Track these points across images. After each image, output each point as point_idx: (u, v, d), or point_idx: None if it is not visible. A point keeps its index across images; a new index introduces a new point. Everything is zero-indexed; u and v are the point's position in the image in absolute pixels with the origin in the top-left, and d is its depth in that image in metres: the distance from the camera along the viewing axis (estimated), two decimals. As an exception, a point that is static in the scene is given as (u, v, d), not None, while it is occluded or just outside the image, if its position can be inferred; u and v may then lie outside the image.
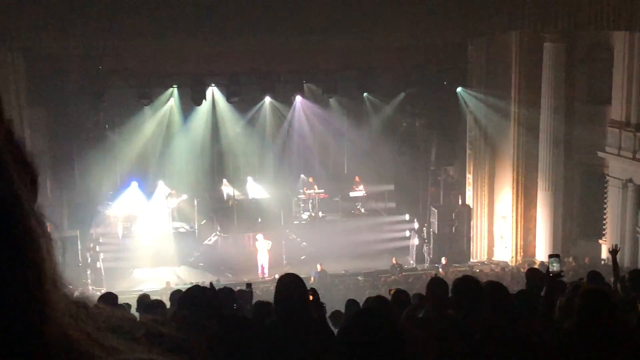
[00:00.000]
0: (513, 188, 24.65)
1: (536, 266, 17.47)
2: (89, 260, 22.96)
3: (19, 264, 0.65)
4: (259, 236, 23.66)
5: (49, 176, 23.33)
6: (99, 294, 20.44)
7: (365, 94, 26.29)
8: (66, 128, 23.31)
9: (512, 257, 24.67)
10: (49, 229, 0.73)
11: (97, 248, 23.56)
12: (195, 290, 5.16)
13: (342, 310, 9.70)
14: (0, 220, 0.65)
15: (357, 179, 26.91)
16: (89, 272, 22.57)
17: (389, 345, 3.50)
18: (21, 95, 21.47)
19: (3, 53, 20.16)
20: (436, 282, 7.27)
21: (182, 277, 22.91)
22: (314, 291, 6.02)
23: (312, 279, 21.40)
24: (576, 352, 4.82)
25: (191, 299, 5.01)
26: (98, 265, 22.99)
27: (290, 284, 5.17)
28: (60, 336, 0.66)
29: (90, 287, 22.07)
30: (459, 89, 25.29)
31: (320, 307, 6.13)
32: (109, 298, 7.92)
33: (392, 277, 22.54)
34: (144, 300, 8.44)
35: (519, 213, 24.66)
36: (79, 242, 22.46)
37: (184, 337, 0.77)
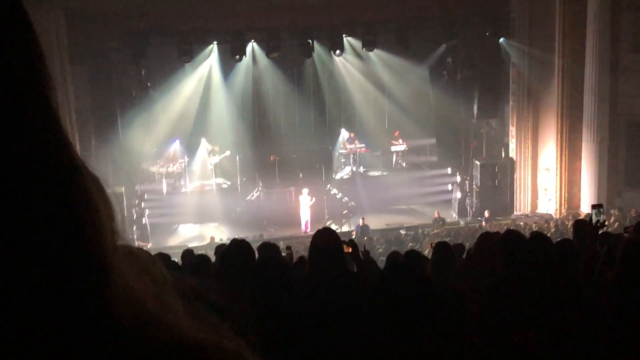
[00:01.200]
0: (557, 140, 24.28)
1: (581, 217, 17.30)
2: (135, 217, 23.30)
3: (74, 213, 0.64)
4: (304, 191, 23.69)
5: (93, 133, 23.66)
6: (145, 249, 20.81)
7: (405, 46, 25.99)
8: (108, 85, 23.53)
9: (557, 210, 24.42)
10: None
11: (142, 204, 23.87)
12: (237, 244, 5.21)
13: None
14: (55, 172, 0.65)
15: (396, 133, 26.77)
16: (134, 228, 22.93)
17: (418, 302, 3.52)
18: (64, 54, 21.65)
19: (45, 12, 20.28)
20: (484, 237, 7.29)
21: (225, 232, 23.15)
22: (352, 243, 6.02)
23: (354, 233, 21.50)
24: (617, 303, 4.79)
25: (233, 253, 5.07)
26: (143, 222, 23.32)
27: (324, 239, 5.18)
28: (125, 290, 0.66)
29: (136, 243, 22.44)
30: (501, 40, 24.87)
31: (359, 261, 6.13)
32: (161, 259, 8.01)
33: (435, 230, 22.51)
34: (189, 256, 8.56)
35: (563, 165, 24.32)
36: (124, 199, 22.78)
37: (231, 305, 0.77)
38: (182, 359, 0.63)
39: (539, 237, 5.89)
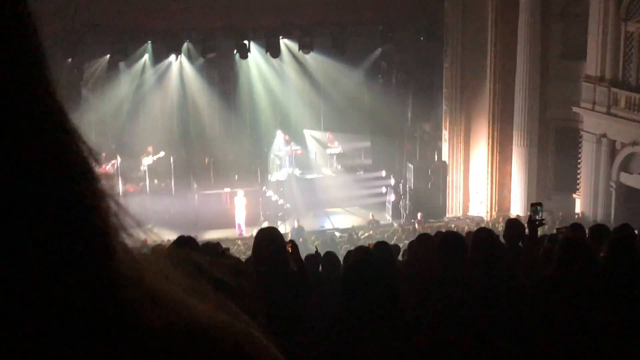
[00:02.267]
0: (488, 144, 24.77)
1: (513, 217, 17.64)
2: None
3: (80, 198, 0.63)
4: (239, 192, 23.55)
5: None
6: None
7: (341, 50, 26.16)
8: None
9: (487, 212, 24.90)
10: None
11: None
12: (181, 241, 5.18)
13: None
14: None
15: (329, 136, 26.88)
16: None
17: (386, 296, 3.55)
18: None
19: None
20: (422, 238, 7.38)
21: (159, 234, 22.80)
22: (293, 243, 6.04)
23: (289, 235, 21.48)
24: (556, 300, 4.90)
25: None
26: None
27: (268, 237, 5.20)
28: (130, 270, 0.64)
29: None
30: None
31: (299, 261, 6.15)
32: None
33: (369, 232, 22.67)
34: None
35: (494, 168, 24.82)
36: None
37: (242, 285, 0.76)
38: (193, 339, 0.62)
39: (481, 232, 5.98)
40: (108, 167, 24.63)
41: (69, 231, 0.59)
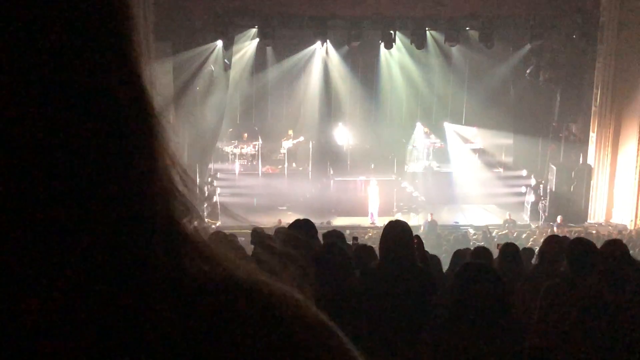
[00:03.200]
0: (638, 149, 23.61)
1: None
2: (206, 194, 23.60)
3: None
4: (373, 181, 23.64)
5: (172, 110, 24.06)
6: (213, 226, 21.15)
7: (488, 44, 25.66)
8: (191, 63, 23.88)
9: (632, 221, 23.77)
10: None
11: (214, 183, 24.18)
12: (300, 223, 5.25)
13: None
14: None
15: (473, 130, 26.48)
16: (205, 206, 23.23)
17: (494, 301, 3.48)
18: (149, 29, 22.06)
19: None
20: (553, 239, 7.15)
21: (294, 216, 23.25)
22: (418, 239, 5.99)
23: (421, 228, 21.37)
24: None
25: (295, 230, 5.11)
26: (214, 200, 23.63)
27: (397, 231, 5.17)
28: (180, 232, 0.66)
29: (206, 220, 22.76)
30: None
31: (424, 257, 6.10)
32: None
33: (504, 231, 22.19)
34: (258, 233, 8.61)
35: (643, 176, 23.66)
36: (197, 176, 23.13)
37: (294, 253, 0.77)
38: (229, 293, 0.64)
39: (613, 244, 5.73)
40: (250, 148, 25.34)
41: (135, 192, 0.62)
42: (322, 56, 26.05)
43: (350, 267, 4.80)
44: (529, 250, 10.86)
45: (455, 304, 3.65)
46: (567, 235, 17.50)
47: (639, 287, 5.30)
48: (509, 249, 7.63)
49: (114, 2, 0.65)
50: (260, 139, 25.71)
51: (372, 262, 5.93)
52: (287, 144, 25.52)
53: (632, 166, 23.82)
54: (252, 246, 8.07)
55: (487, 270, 3.86)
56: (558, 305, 5.15)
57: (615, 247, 5.50)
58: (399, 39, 25.18)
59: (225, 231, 11.14)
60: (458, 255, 9.20)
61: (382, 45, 25.34)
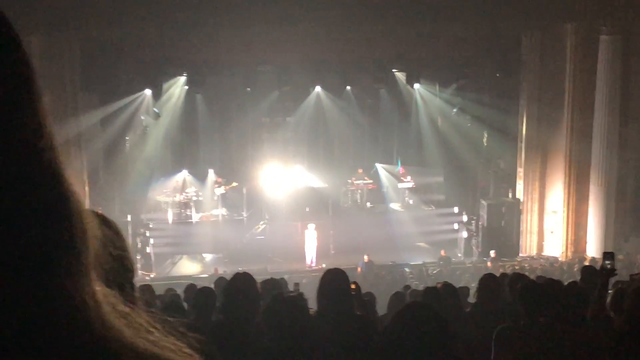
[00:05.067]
0: (565, 182, 24.24)
1: (587, 263, 17.22)
2: (139, 245, 23.26)
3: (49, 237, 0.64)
4: (311, 225, 23.63)
5: (101, 160, 23.76)
6: (148, 278, 20.79)
7: (416, 85, 26.20)
8: (119, 113, 23.65)
9: (563, 253, 24.31)
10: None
11: (147, 233, 23.84)
12: (239, 279, 5.19)
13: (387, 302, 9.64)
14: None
15: (401, 170, 26.79)
16: (139, 257, 22.88)
17: (435, 340, 3.47)
18: (76, 80, 21.81)
19: (58, 39, 20.48)
20: (489, 278, 7.24)
21: (230, 264, 23.05)
22: (356, 285, 5.99)
23: (359, 269, 21.41)
24: (626, 350, 4.73)
25: (235, 288, 5.05)
26: (148, 250, 23.29)
27: (333, 279, 5.18)
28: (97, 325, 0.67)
29: (139, 272, 22.39)
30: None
31: (362, 302, 6.10)
32: (147, 290, 8.07)
33: (440, 269, 22.40)
34: (192, 290, 8.49)
35: (571, 208, 24.25)
36: (129, 228, 22.79)
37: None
38: None
39: (553, 283, 5.86)
40: (182, 196, 25.11)
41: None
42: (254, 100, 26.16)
43: (304, 316, 4.77)
44: (465, 289, 10.94)
45: (395, 344, 3.63)
46: (501, 270, 17.78)
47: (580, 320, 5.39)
48: (447, 289, 7.69)
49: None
50: (192, 187, 25.53)
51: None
52: (219, 190, 25.35)
53: (559, 199, 24.44)
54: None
55: (429, 309, 3.86)
56: (514, 349, 5.19)
57: (554, 286, 5.60)
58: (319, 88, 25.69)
59: (159, 283, 10.98)
60: (397, 297, 9.21)
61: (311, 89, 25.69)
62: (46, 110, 0.68)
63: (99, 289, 0.70)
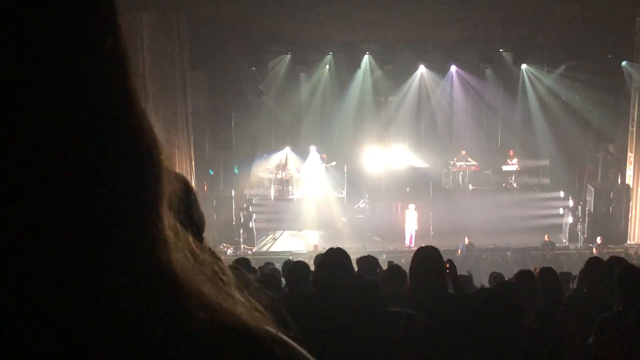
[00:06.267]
0: (677, 168, 23.26)
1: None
2: (242, 220, 23.73)
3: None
4: (411, 206, 23.52)
5: (207, 136, 24.31)
6: (250, 252, 21.24)
7: (523, 66, 25.61)
8: (225, 91, 24.11)
9: (673, 241, 23.38)
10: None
11: (250, 209, 24.30)
12: (333, 253, 5.24)
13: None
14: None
15: (511, 152, 26.30)
16: (241, 231, 23.36)
17: (503, 327, 3.45)
18: (185, 58, 22.34)
19: (168, 17, 20.99)
20: (593, 262, 7.02)
21: (329, 241, 23.23)
22: (451, 263, 5.93)
23: (459, 251, 21.22)
24: None
25: (328, 262, 5.11)
26: (250, 225, 23.73)
27: (427, 257, 5.16)
28: (191, 283, 0.70)
29: (242, 246, 22.89)
30: (623, 63, 24.04)
31: (457, 281, 6.04)
32: (243, 262, 8.20)
33: (543, 254, 21.93)
34: (289, 263, 8.63)
35: (683, 195, 23.26)
36: (233, 202, 23.29)
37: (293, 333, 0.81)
38: (247, 344, 0.69)
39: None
40: (285, 173, 25.46)
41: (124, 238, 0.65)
42: (357, 80, 26.16)
43: (378, 298, 4.80)
44: (567, 275, 10.69)
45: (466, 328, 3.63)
46: (608, 255, 17.25)
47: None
48: (548, 273, 7.53)
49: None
50: (295, 164, 25.87)
51: (403, 285, 5.93)
52: (321, 168, 25.59)
53: (672, 186, 23.48)
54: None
55: (497, 297, 3.84)
56: (616, 340, 5.06)
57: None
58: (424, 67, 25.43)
59: (260, 257, 11.23)
60: (494, 277, 9.10)
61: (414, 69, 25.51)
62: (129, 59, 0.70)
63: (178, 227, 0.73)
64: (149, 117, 0.70)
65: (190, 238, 0.75)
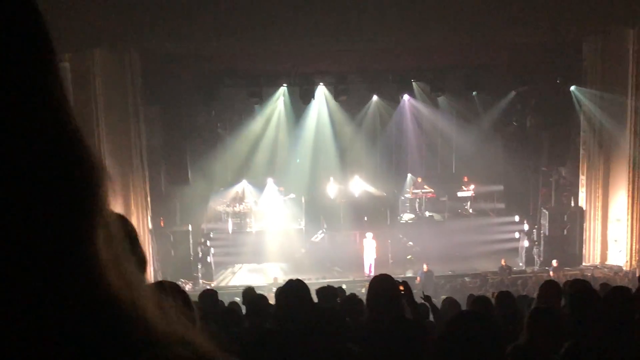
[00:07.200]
0: (629, 190, 23.67)
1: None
2: (200, 255, 23.56)
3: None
4: (369, 234, 23.61)
5: (162, 172, 24.16)
6: (208, 287, 21.03)
7: (474, 93, 26.02)
8: (180, 126, 24.03)
9: (627, 262, 23.74)
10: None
11: (208, 243, 24.14)
12: (292, 285, 5.25)
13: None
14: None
15: (465, 178, 26.62)
16: (199, 266, 23.18)
17: (487, 349, 3.47)
18: (138, 94, 22.23)
19: (120, 53, 20.90)
20: (549, 284, 7.13)
21: (289, 273, 23.17)
22: (405, 285, 5.94)
23: (417, 278, 21.29)
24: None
25: (287, 293, 5.11)
26: (208, 260, 23.57)
27: (380, 285, 5.20)
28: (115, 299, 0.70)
29: (200, 281, 22.70)
30: (572, 88, 24.56)
31: (414, 304, 6.06)
32: (209, 295, 8.12)
33: (500, 278, 22.12)
34: (249, 294, 8.60)
35: (635, 216, 23.66)
36: (190, 237, 23.12)
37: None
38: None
39: (618, 290, 5.73)
40: (242, 206, 25.39)
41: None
42: (312, 111, 26.35)
43: (342, 326, 4.80)
44: (524, 298, 10.80)
45: (447, 352, 3.64)
46: (564, 279, 17.46)
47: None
48: (505, 297, 7.62)
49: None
50: (252, 197, 25.83)
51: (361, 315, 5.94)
52: (279, 200, 25.59)
53: (623, 207, 23.89)
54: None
55: (482, 319, 3.86)
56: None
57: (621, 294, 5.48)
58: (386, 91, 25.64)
59: (219, 292, 11.16)
60: (449, 302, 9.16)
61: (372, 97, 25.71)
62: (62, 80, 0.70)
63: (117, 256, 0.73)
64: (94, 148, 0.70)
65: (129, 268, 0.74)
